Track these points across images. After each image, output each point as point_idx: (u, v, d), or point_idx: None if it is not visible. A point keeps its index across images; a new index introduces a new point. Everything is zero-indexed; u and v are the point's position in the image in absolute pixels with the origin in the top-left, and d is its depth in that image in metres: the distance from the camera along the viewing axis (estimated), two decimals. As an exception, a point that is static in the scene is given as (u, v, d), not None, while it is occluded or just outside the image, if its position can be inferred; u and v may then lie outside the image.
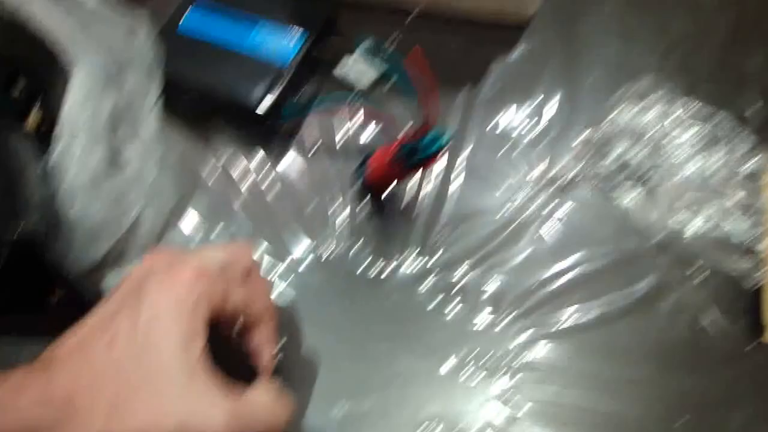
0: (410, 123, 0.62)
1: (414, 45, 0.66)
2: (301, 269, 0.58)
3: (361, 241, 0.59)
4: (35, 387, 0.33)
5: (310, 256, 0.58)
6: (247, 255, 0.44)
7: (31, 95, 0.53)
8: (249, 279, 0.43)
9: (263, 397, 0.38)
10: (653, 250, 0.58)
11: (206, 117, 0.64)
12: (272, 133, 0.63)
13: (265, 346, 0.43)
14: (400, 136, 0.52)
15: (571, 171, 0.60)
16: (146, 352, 0.34)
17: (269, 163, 0.63)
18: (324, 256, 0.58)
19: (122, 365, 0.34)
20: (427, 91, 0.46)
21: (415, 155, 0.51)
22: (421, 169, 0.58)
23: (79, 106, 0.51)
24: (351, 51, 0.66)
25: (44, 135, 0.52)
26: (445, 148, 0.51)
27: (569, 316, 0.55)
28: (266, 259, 0.58)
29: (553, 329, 0.55)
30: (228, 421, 0.34)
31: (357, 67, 0.64)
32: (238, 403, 0.36)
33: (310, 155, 0.63)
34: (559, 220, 0.59)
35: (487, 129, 0.64)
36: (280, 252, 0.59)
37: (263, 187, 0.62)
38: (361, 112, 0.64)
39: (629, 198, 0.59)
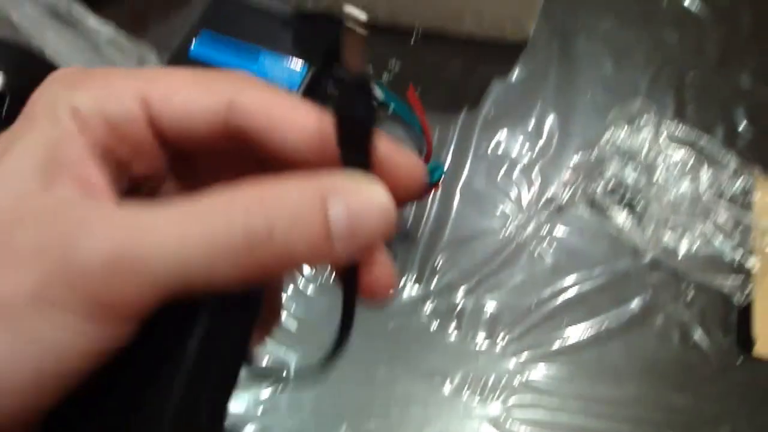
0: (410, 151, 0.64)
1: (417, 67, 0.69)
2: (308, 293, 0.59)
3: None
4: None
5: (314, 282, 0.60)
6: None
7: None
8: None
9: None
10: (645, 269, 0.60)
11: None
12: None
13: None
14: None
15: (566, 192, 0.63)
16: None
17: None
18: (327, 281, 0.60)
19: None
20: (423, 127, 0.48)
21: None
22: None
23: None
24: None
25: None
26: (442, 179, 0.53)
27: (565, 336, 0.58)
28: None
29: (550, 350, 0.57)
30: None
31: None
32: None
33: None
34: (555, 241, 0.62)
35: (486, 151, 0.66)
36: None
37: None
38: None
39: (622, 218, 0.62)
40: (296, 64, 0.64)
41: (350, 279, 0.26)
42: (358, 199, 0.24)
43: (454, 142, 0.66)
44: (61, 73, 0.26)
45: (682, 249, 0.61)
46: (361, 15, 0.23)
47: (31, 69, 0.54)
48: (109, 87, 0.25)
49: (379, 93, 0.64)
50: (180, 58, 0.65)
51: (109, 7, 0.70)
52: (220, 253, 0.21)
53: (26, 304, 0.21)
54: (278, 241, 0.22)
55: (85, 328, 0.21)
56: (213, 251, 0.21)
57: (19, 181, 0.22)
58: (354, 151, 0.24)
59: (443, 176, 0.55)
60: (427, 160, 0.51)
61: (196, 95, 0.25)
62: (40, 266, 0.21)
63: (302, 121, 0.25)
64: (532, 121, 0.68)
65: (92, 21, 0.56)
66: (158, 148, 0.26)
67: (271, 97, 0.26)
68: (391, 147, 0.26)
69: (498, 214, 0.63)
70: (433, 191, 0.54)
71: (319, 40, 0.67)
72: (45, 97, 0.25)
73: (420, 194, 0.23)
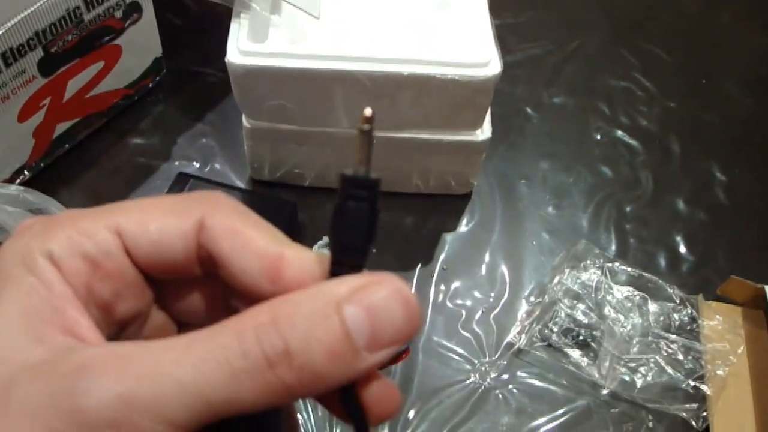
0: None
1: None
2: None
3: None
4: None
5: None
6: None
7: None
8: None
9: None
10: (605, 403, 0.66)
11: None
12: None
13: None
14: None
15: (523, 336, 0.69)
16: None
17: None
18: None
19: None
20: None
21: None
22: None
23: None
24: (318, 233, 0.73)
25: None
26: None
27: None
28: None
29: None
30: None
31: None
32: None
33: None
34: (518, 384, 0.67)
35: (443, 302, 0.71)
36: None
37: None
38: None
39: (578, 356, 0.68)
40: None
41: (350, 400, 0.25)
42: (374, 296, 0.23)
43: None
44: (27, 224, 0.25)
45: (638, 381, 0.67)
46: (368, 110, 0.25)
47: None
48: (80, 226, 0.25)
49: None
50: None
51: (69, 186, 0.77)
52: (239, 376, 0.21)
53: None
54: (297, 356, 0.22)
55: None
56: (232, 376, 0.21)
57: (6, 339, 0.22)
58: (351, 249, 0.24)
59: (407, 349, 0.61)
60: None
61: (169, 220, 0.25)
62: (45, 423, 0.20)
63: (262, 248, 0.26)
64: (484, 270, 0.74)
65: None
66: (142, 281, 0.26)
67: (237, 222, 0.26)
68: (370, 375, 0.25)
69: (461, 363, 0.68)
70: (399, 360, 0.61)
71: (277, 213, 0.72)
72: (16, 250, 0.24)
73: (394, 414, 0.25)
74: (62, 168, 0.78)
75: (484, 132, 0.69)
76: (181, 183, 0.74)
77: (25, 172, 0.74)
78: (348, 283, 0.23)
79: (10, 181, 0.73)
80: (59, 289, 0.23)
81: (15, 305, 0.23)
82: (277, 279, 0.25)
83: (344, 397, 0.24)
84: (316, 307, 0.22)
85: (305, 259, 0.26)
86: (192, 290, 0.28)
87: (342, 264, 0.24)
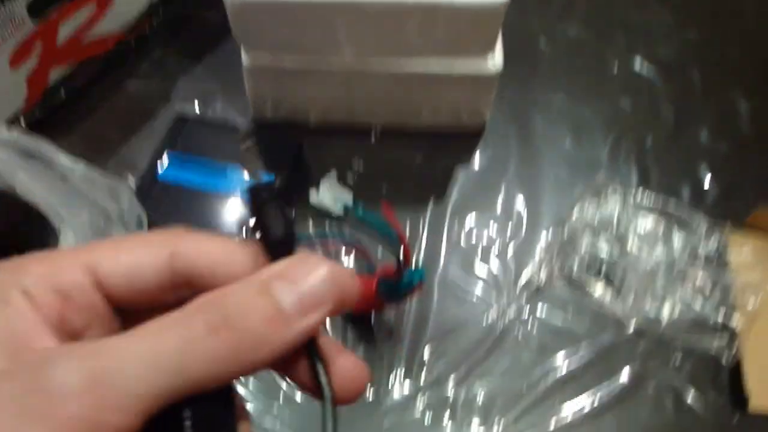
0: (379, 249, 0.67)
1: (380, 164, 0.73)
2: (297, 399, 0.61)
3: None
4: None
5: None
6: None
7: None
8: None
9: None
10: (631, 339, 0.63)
11: None
12: None
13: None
14: (378, 268, 0.58)
15: (542, 272, 0.66)
16: None
17: None
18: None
19: None
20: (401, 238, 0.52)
21: (395, 293, 0.57)
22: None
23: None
24: (325, 172, 0.71)
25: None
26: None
27: (560, 415, 0.60)
28: (259, 397, 0.62)
29: (547, 431, 0.60)
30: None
31: (329, 195, 0.69)
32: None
33: None
34: (538, 321, 0.64)
35: (458, 239, 0.69)
36: (272, 390, 0.62)
37: None
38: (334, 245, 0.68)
39: (601, 292, 0.65)
40: (263, 176, 0.67)
41: (315, 371, 0.28)
42: (297, 269, 0.27)
43: (425, 235, 0.69)
44: (4, 262, 0.27)
45: (665, 315, 0.64)
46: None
47: (1, 206, 0.57)
48: (55, 264, 0.27)
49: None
50: (148, 182, 0.68)
51: (68, 134, 0.74)
52: (187, 345, 0.24)
53: None
54: (236, 322, 0.25)
55: None
56: (182, 345, 0.24)
57: None
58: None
59: (423, 280, 0.59)
60: (406, 266, 0.55)
61: (139, 254, 0.28)
62: (14, 415, 0.22)
63: (239, 257, 0.29)
64: (500, 205, 0.71)
65: (63, 158, 0.59)
66: (110, 312, 0.28)
67: (207, 242, 0.29)
68: (333, 348, 0.29)
69: (478, 301, 0.66)
70: (415, 291, 0.58)
71: (282, 149, 0.70)
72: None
73: (362, 392, 0.26)
74: (60, 116, 0.75)
75: (495, 62, 0.66)
76: (179, 126, 0.71)
77: (21, 120, 0.72)
78: (277, 265, 0.28)
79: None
80: (31, 317, 0.25)
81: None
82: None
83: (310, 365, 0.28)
84: (251, 286, 0.26)
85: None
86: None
87: (277, 256, 0.28)
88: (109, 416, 0.23)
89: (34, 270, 0.27)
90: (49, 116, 0.75)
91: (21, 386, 0.23)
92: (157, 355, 0.24)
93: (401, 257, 0.55)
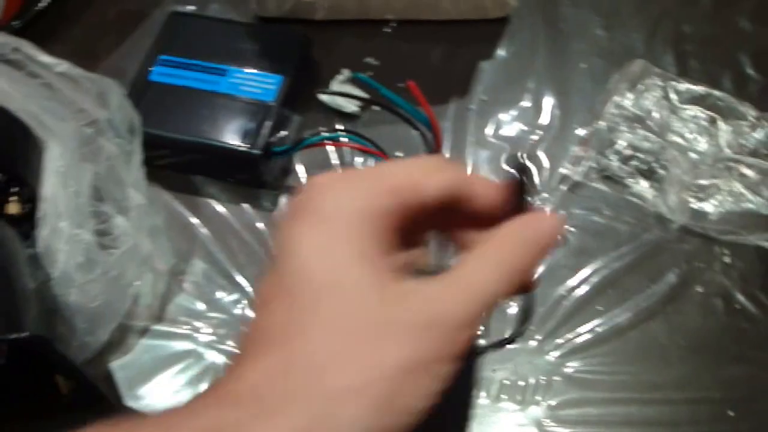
0: (396, 154, 0.63)
1: (396, 58, 0.68)
2: None
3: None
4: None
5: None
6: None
7: (9, 177, 0.53)
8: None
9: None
10: (675, 238, 0.59)
11: (192, 172, 0.64)
12: (262, 178, 0.63)
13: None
14: None
15: (578, 169, 0.61)
16: (320, 287, 0.30)
17: (263, 216, 0.62)
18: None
19: (288, 317, 0.30)
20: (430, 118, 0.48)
21: None
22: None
23: (58, 181, 0.51)
24: (335, 72, 0.67)
25: (29, 218, 0.52)
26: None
27: (602, 322, 0.56)
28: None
29: (588, 339, 0.56)
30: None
31: (341, 92, 0.65)
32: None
33: None
34: (576, 221, 0.60)
35: (484, 137, 0.65)
36: None
37: (262, 242, 0.61)
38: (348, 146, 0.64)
39: (643, 187, 0.60)
40: (269, 78, 0.63)
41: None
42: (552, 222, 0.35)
43: (449, 133, 0.65)
44: (319, 181, 0.33)
45: (711, 210, 0.59)
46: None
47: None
48: (365, 187, 0.32)
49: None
50: (140, 85, 0.64)
51: (57, 40, 0.70)
52: (508, 272, 0.32)
53: (401, 374, 0.28)
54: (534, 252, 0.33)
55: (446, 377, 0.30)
56: (507, 274, 0.32)
57: (339, 258, 0.31)
58: (522, 199, 0.36)
59: None
60: (437, 150, 0.51)
61: (438, 181, 0.34)
62: (419, 335, 0.29)
63: (492, 191, 0.35)
64: (529, 99, 0.67)
65: (44, 57, 0.54)
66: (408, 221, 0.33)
67: (480, 179, 0.36)
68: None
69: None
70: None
71: (287, 48, 0.65)
72: (315, 202, 0.32)
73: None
74: (43, 24, 0.71)
75: None
76: (175, 23, 0.67)
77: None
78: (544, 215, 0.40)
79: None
80: (376, 228, 0.31)
81: (346, 238, 0.31)
82: (500, 206, 0.36)
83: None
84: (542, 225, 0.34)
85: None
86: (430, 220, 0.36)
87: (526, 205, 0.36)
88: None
89: (352, 191, 0.32)
90: (32, 24, 0.71)
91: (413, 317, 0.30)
92: (488, 285, 0.31)
93: (432, 142, 0.51)
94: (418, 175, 0.34)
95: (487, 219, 0.35)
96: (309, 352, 0.29)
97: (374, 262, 0.31)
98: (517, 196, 0.36)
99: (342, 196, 0.32)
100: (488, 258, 0.32)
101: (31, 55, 0.54)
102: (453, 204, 0.34)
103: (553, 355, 0.55)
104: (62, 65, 0.55)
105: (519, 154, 0.41)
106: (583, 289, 0.58)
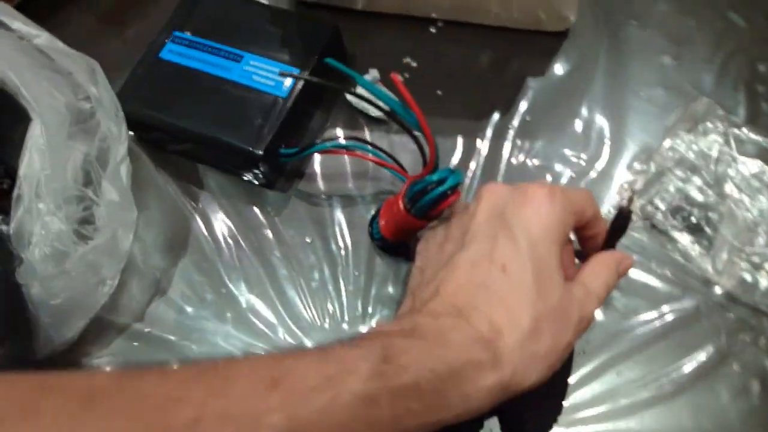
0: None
1: (438, 62, 0.65)
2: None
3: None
4: (460, 331, 0.40)
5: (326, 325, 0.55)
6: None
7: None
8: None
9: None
10: (717, 306, 0.54)
11: (193, 164, 0.61)
12: (271, 177, 0.59)
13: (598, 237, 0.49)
14: (408, 179, 0.51)
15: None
16: (539, 270, 0.42)
17: (267, 219, 0.59)
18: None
19: (525, 287, 0.41)
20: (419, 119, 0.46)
21: (425, 195, 0.49)
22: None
23: (41, 159, 0.47)
24: (365, 70, 0.63)
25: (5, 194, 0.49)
26: (459, 187, 0.49)
27: (621, 393, 0.52)
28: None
29: (601, 412, 0.51)
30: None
31: (368, 94, 0.60)
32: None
33: (314, 207, 0.60)
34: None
35: (523, 162, 0.60)
36: (293, 333, 0.55)
37: (263, 249, 0.58)
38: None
39: (689, 243, 0.55)
40: (286, 70, 0.59)
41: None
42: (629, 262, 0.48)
43: (484, 152, 0.61)
44: (494, 191, 0.46)
45: (763, 281, 0.54)
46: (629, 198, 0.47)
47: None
48: (561, 208, 0.44)
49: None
50: (149, 61, 0.60)
51: (83, 4, 0.68)
52: (609, 289, 0.46)
53: (566, 350, 0.43)
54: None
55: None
56: (608, 290, 0.46)
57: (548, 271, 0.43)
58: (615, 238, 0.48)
59: (459, 183, 0.50)
60: (431, 164, 0.47)
61: (593, 211, 0.47)
62: (576, 326, 0.42)
63: (603, 227, 0.48)
64: (578, 126, 0.62)
65: (21, 26, 0.50)
66: None
67: (592, 213, 0.47)
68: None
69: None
70: (450, 200, 0.49)
71: (313, 39, 0.61)
72: (493, 220, 0.44)
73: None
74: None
75: None
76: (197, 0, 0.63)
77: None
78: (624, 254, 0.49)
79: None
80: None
81: (549, 242, 0.43)
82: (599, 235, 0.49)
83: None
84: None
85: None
86: None
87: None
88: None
89: (537, 208, 0.44)
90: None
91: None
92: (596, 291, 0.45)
93: (425, 144, 0.48)
94: (586, 203, 0.46)
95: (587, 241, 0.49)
96: (517, 316, 0.40)
97: (559, 263, 0.43)
98: (613, 234, 0.48)
99: (544, 211, 0.43)
100: (601, 278, 0.45)
101: (5, 22, 0.50)
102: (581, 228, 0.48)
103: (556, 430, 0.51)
104: (41, 36, 0.50)
105: (626, 203, 0.46)
106: (606, 351, 0.53)
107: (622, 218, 0.46)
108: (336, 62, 0.48)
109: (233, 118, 0.57)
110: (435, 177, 0.48)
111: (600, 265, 0.46)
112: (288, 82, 0.58)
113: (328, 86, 0.57)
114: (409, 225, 0.52)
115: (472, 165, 0.60)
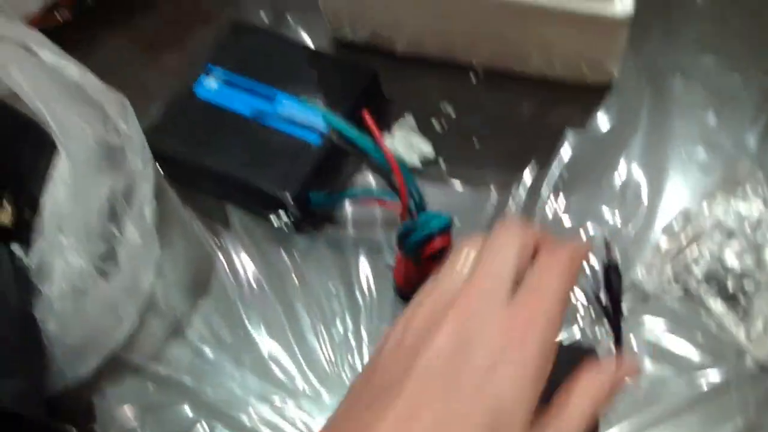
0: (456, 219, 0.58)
1: (476, 111, 0.64)
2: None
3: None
4: None
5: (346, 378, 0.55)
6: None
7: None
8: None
9: None
10: (749, 379, 0.53)
11: (220, 202, 0.61)
12: (299, 221, 0.59)
13: None
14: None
15: (653, 275, 0.55)
16: None
17: (292, 263, 0.59)
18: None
19: None
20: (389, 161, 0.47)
21: (410, 236, 0.50)
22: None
23: (67, 193, 0.47)
24: (401, 114, 0.63)
25: (20, 229, 0.49)
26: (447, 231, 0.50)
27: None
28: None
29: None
30: None
31: (403, 142, 0.59)
32: None
33: (341, 254, 0.59)
34: (640, 338, 0.54)
35: (557, 217, 0.60)
36: (310, 383, 0.55)
37: (286, 293, 0.58)
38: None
39: (723, 311, 0.54)
40: (319, 113, 0.58)
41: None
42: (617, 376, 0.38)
43: (515, 206, 0.60)
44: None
45: (799, 355, 0.53)
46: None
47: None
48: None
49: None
50: (183, 98, 0.60)
51: (109, 36, 0.69)
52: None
53: None
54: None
55: None
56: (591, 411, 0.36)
57: None
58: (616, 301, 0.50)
59: (449, 227, 0.50)
60: (404, 207, 0.50)
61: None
62: None
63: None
64: (615, 183, 0.61)
65: (50, 57, 0.51)
66: None
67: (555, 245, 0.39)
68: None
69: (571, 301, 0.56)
70: (444, 242, 0.50)
71: (351, 84, 0.61)
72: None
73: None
74: (110, 11, 0.70)
75: (624, 3, 0.56)
76: (234, 36, 0.64)
77: (57, 13, 0.67)
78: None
79: (43, 20, 0.65)
80: None
81: None
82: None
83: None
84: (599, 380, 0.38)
85: None
86: None
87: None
88: None
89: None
90: (98, 10, 0.70)
91: None
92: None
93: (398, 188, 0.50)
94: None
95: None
96: None
97: None
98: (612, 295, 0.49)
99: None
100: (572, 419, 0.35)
101: (37, 52, 0.50)
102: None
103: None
104: (73, 67, 0.50)
105: (606, 252, 0.47)
106: (631, 418, 0.51)
107: (612, 272, 0.46)
108: (337, 122, 0.48)
109: (264, 160, 0.57)
110: (422, 219, 0.50)
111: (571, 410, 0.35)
112: (321, 125, 0.57)
113: (350, 141, 0.56)
114: (411, 270, 0.53)
115: (502, 217, 0.59)
